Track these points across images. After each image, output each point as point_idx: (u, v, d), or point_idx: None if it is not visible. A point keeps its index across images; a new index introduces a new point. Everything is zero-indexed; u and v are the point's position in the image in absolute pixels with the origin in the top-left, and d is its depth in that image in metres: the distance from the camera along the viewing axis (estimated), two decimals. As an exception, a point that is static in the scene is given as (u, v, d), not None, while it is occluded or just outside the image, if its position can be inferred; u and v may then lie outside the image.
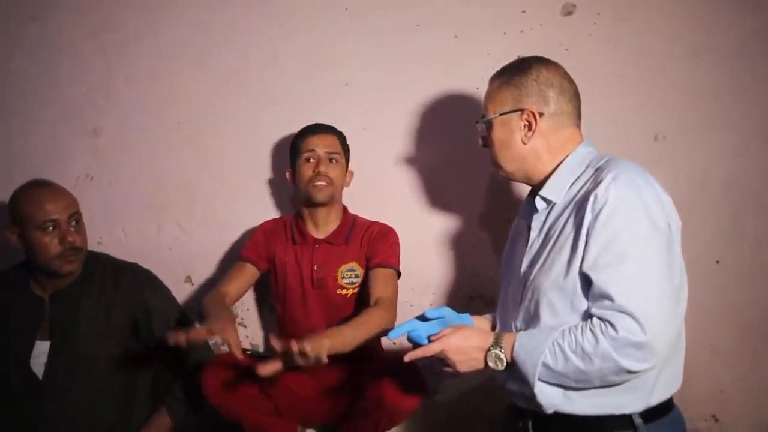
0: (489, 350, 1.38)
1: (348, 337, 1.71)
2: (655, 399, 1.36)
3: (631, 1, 2.08)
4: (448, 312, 1.52)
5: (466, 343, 1.39)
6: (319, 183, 2.03)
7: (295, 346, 1.54)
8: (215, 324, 1.67)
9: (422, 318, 1.49)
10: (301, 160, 2.06)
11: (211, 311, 1.82)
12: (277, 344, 1.56)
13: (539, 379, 1.33)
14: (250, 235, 2.16)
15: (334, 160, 2.07)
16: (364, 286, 2.03)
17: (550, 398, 1.35)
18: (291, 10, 2.29)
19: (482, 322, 1.65)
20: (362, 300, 2.04)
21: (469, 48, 2.18)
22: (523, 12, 2.14)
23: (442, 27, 2.20)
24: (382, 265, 2.00)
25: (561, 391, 1.35)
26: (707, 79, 2.06)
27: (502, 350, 1.37)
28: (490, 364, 1.37)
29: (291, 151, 2.12)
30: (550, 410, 1.36)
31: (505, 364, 1.37)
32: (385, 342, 2.00)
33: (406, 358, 1.42)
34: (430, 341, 1.43)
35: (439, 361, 1.42)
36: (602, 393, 1.33)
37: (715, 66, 2.05)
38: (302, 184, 2.06)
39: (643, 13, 2.08)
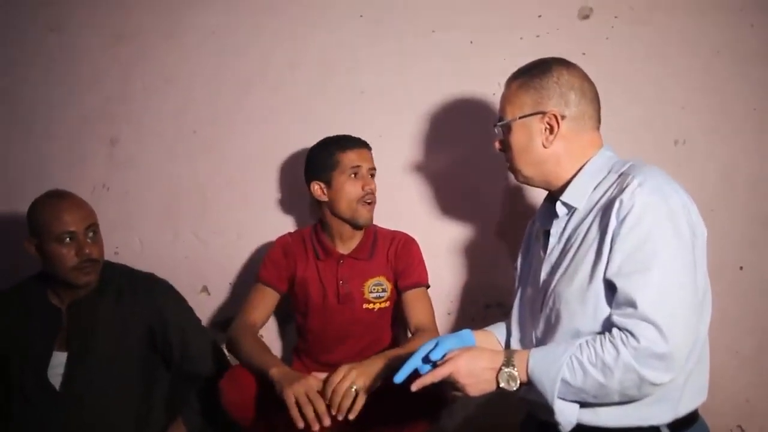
0: (501, 370, 1.32)
1: (386, 372, 1.67)
2: (683, 410, 1.33)
3: (649, 4, 2.05)
4: (445, 339, 1.45)
5: (476, 365, 1.33)
6: (370, 203, 1.99)
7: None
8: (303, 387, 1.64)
9: (426, 360, 1.42)
10: (344, 176, 1.97)
11: (264, 359, 1.79)
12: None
13: (558, 397, 1.28)
14: (267, 251, 2.10)
15: (373, 176, 2.03)
16: (397, 304, 2.02)
17: (568, 416, 1.30)
18: (307, 17, 2.29)
19: (486, 336, 1.60)
20: (393, 316, 2.04)
21: (485, 53, 2.16)
22: (540, 16, 2.12)
23: (458, 32, 2.18)
24: (414, 286, 1.98)
25: (577, 407, 1.30)
26: (728, 81, 2.02)
27: (515, 369, 1.31)
28: (503, 384, 1.32)
29: (320, 163, 2.00)
30: (567, 429, 1.32)
31: (518, 383, 1.32)
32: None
33: (413, 388, 1.34)
34: (435, 366, 1.37)
35: (449, 385, 1.36)
36: (629, 405, 1.30)
37: (736, 68, 2.01)
38: (345, 201, 1.98)
39: (661, 15, 2.05)
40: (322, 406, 1.61)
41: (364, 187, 1.98)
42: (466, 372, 1.32)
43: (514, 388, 1.32)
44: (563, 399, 1.29)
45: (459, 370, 1.33)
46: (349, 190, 1.98)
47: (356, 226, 2.01)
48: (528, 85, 1.45)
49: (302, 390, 1.62)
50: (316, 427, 1.61)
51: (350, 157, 1.98)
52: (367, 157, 2.03)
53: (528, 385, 1.31)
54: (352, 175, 1.98)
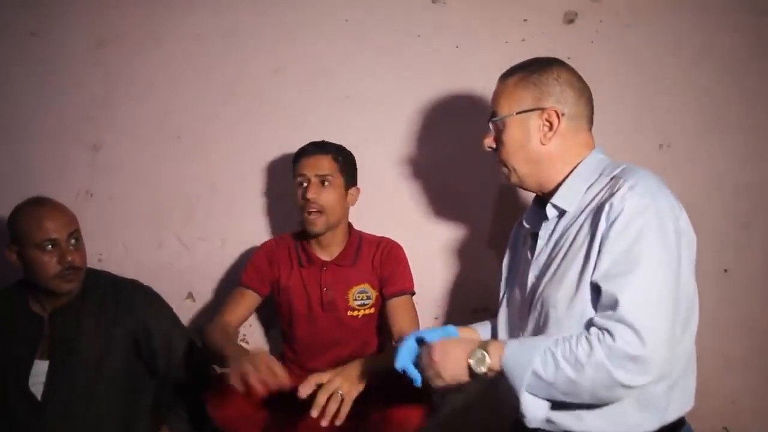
0: (474, 351, 1.33)
1: (368, 375, 1.69)
2: (670, 417, 1.33)
3: (634, 8, 2.07)
4: (431, 331, 1.49)
5: (451, 347, 1.37)
6: (311, 213, 1.96)
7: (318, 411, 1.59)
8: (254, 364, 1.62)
9: (419, 341, 1.45)
10: (294, 185, 2.00)
11: (228, 349, 1.77)
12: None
13: (527, 391, 1.27)
14: (250, 256, 2.10)
15: (327, 183, 1.97)
16: (381, 312, 2.02)
17: (534, 410, 1.29)
18: (292, 22, 2.28)
19: (469, 334, 1.61)
20: (377, 323, 2.04)
21: (471, 58, 2.16)
22: (525, 21, 2.12)
23: (443, 37, 2.18)
24: (399, 294, 1.98)
25: (547, 404, 1.30)
26: (712, 85, 2.04)
27: (488, 354, 1.31)
28: (471, 361, 1.32)
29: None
30: (533, 424, 1.31)
31: (487, 366, 1.31)
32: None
33: None
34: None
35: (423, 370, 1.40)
36: (615, 412, 1.29)
37: (720, 71, 2.03)
38: (298, 211, 2.00)
39: (646, 19, 2.06)
40: (254, 377, 1.59)
41: (303, 196, 1.96)
42: (440, 351, 1.36)
43: (483, 371, 1.32)
44: (534, 395, 1.28)
45: (434, 349, 1.36)
46: (296, 198, 1.99)
47: (309, 234, 2.00)
48: (527, 80, 1.43)
49: (247, 361, 1.62)
50: (258, 387, 1.59)
51: (299, 166, 2.00)
52: (318, 164, 1.98)
53: (500, 374, 1.31)
54: (301, 184, 1.98)
